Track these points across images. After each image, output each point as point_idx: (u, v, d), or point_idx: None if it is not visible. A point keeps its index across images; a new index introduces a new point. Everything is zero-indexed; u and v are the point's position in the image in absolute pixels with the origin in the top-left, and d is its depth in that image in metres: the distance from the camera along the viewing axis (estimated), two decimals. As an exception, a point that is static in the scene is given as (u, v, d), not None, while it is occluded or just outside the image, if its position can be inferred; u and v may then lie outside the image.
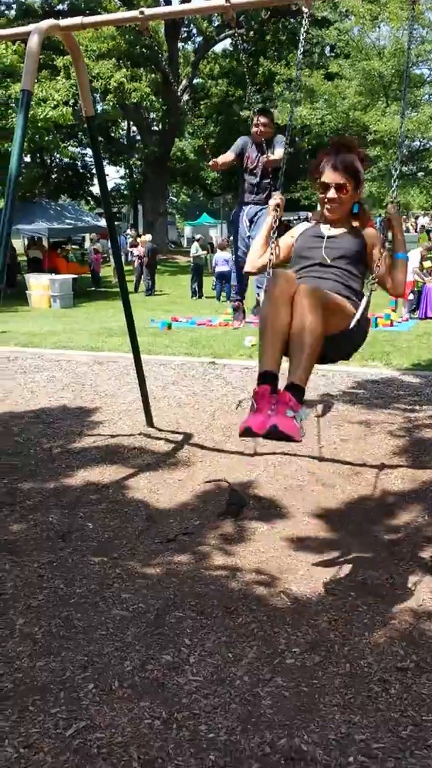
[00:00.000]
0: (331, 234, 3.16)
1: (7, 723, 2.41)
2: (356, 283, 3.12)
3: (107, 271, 23.60)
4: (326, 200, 3.10)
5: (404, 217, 34.07)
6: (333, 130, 20.90)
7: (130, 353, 5.96)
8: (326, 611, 3.12)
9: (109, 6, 26.10)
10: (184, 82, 30.33)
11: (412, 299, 13.34)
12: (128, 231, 27.72)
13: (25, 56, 4.14)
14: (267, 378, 2.70)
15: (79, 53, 4.78)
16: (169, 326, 12.11)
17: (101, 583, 3.39)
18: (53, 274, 18.45)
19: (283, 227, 3.42)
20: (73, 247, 24.81)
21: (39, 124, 17.46)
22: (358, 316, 2.88)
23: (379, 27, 20.69)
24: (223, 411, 6.35)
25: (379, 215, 26.31)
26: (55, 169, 34.37)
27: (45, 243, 22.06)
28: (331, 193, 3.08)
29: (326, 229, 3.20)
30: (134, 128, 35.09)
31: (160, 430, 5.82)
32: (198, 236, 21.13)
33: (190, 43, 34.32)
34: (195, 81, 32.55)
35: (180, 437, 5.64)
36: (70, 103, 19.14)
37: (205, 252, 19.60)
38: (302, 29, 3.48)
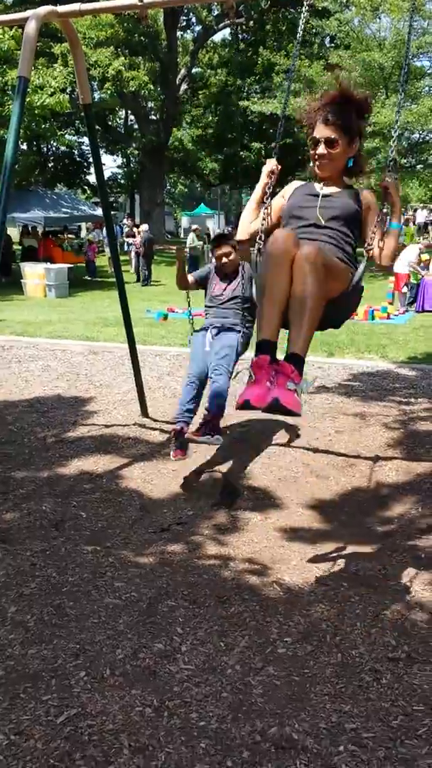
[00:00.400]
0: (326, 193, 2.95)
1: (-1, 710, 2.41)
2: (350, 246, 2.92)
3: (103, 261, 23.53)
4: (316, 156, 2.91)
5: (402, 209, 34.05)
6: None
7: (125, 343, 5.94)
8: (318, 601, 3.13)
9: (108, -7, 25.86)
10: (183, 71, 30.16)
11: (406, 292, 13.34)
12: (125, 221, 27.61)
13: (22, 42, 4.10)
14: (266, 347, 2.54)
15: (77, 40, 4.74)
16: (165, 317, 12.08)
17: (94, 571, 3.39)
18: (48, 263, 18.38)
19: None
20: (69, 236, 24.69)
21: (36, 112, 17.34)
22: (356, 277, 2.75)
23: (379, 18, 20.59)
24: (218, 402, 6.33)
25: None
26: (52, 158, 34.19)
27: (39, 231, 21.94)
28: (321, 149, 2.87)
29: (320, 188, 2.98)
30: (132, 117, 34.91)
31: (154, 420, 5.81)
32: (194, 226, 21.04)
33: (189, 32, 34.11)
34: (194, 70, 32.34)
35: (175, 427, 5.63)
36: (67, 90, 19.01)
37: (201, 243, 19.49)
38: (301, 19, 3.44)
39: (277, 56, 23.67)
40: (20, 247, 22.54)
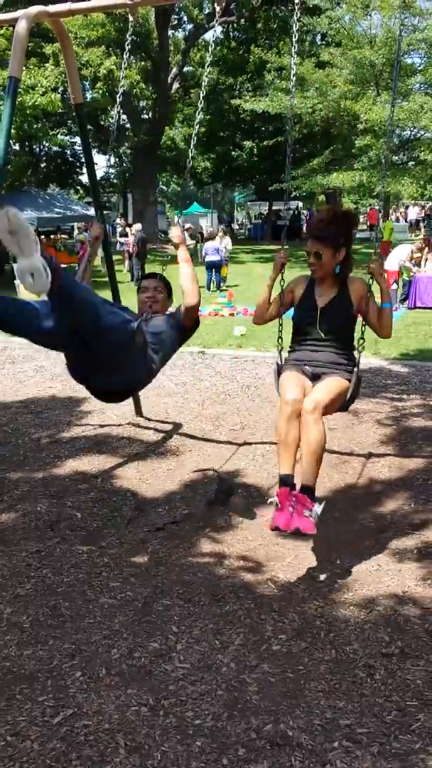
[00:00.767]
0: (323, 305, 3.52)
1: (-5, 711, 2.42)
2: (348, 348, 3.56)
3: (96, 261, 23.49)
4: (309, 263, 3.52)
5: (394, 206, 34.11)
6: (323, 119, 20.81)
7: (118, 343, 5.94)
8: (312, 598, 3.15)
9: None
10: (174, 70, 30.11)
11: (396, 289, 13.37)
12: (117, 220, 27.57)
13: (12, 42, 4.10)
14: (286, 481, 3.18)
15: (68, 40, 4.75)
16: (159, 316, 12.07)
17: (89, 571, 3.40)
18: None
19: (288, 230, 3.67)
20: (63, 236, 24.65)
21: (27, 112, 17.30)
22: (351, 390, 3.43)
23: (370, 15, 20.58)
24: (212, 401, 6.35)
25: (370, 205, 26.30)
26: (44, 158, 34.07)
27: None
28: (311, 259, 3.50)
29: (318, 296, 3.55)
30: (124, 117, 34.85)
31: (149, 419, 5.82)
32: (187, 225, 20.95)
33: (180, 30, 34.05)
34: (185, 69, 32.29)
35: (169, 427, 5.65)
36: (59, 90, 18.97)
37: (194, 242, 19.48)
38: (294, 17, 3.48)
39: (269, 54, 23.63)
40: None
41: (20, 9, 4.35)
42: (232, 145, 34.77)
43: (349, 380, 3.42)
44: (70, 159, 35.41)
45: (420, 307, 12.94)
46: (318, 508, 3.10)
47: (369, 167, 19.80)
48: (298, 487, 3.15)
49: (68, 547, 3.68)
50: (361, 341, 3.52)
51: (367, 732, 2.31)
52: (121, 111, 28.57)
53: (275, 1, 29.04)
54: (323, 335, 3.50)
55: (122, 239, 22.14)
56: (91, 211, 21.91)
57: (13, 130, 4.33)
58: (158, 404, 6.21)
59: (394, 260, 13.01)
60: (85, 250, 4.54)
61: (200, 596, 3.17)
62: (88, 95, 26.73)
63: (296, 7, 3.66)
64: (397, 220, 36.10)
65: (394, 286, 13.37)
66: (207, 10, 28.41)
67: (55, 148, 31.65)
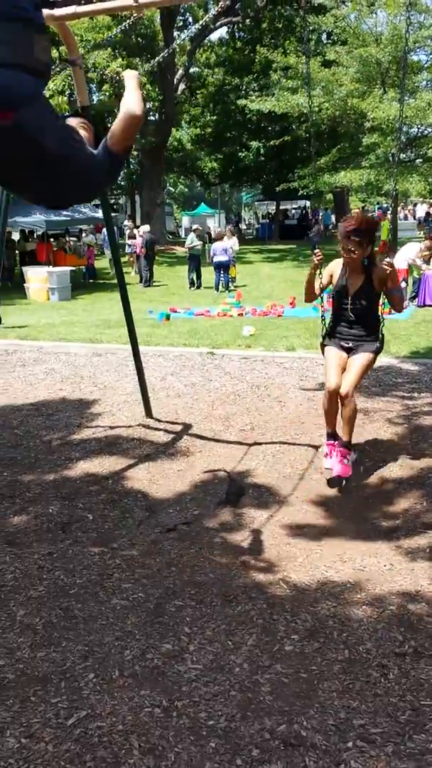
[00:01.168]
0: (354, 292, 4.54)
1: (9, 713, 2.43)
2: (373, 324, 4.62)
3: (104, 263, 23.53)
4: (345, 257, 4.47)
5: (402, 204, 33.97)
6: (330, 118, 20.76)
7: (128, 345, 5.96)
8: (325, 598, 3.14)
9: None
10: (180, 71, 30.13)
11: (406, 287, 13.34)
12: (125, 222, 27.57)
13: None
14: (332, 435, 4.63)
15: (74, 43, 4.76)
16: (168, 317, 12.10)
17: (101, 573, 3.41)
18: (51, 267, 18.40)
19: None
20: (72, 239, 24.69)
21: (35, 115, 17.33)
22: (378, 345, 4.62)
23: (375, 13, 20.50)
24: (221, 401, 6.35)
25: (378, 204, 26.19)
26: (52, 161, 34.14)
27: (35, 236, 21.87)
28: (347, 255, 4.44)
29: (350, 284, 4.55)
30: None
31: (158, 420, 5.83)
32: (195, 226, 20.95)
33: (185, 31, 34.04)
34: (191, 70, 32.29)
35: (179, 428, 5.65)
36: (65, 93, 19.03)
37: (200, 242, 19.45)
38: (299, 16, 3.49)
39: (275, 54, 23.59)
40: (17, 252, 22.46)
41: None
42: (239, 146, 34.77)
43: (374, 351, 4.56)
44: (78, 162, 35.42)
45: (430, 305, 12.89)
46: (353, 456, 4.61)
47: (377, 165, 19.73)
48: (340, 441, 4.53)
49: (80, 548, 3.69)
50: (382, 318, 4.67)
51: (382, 732, 2.31)
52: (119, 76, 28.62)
53: (280, 0, 28.97)
54: (353, 316, 4.59)
55: (130, 241, 22.15)
56: (99, 214, 21.95)
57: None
58: (168, 405, 6.22)
59: (401, 258, 12.97)
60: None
61: (212, 597, 3.17)
62: (95, 98, 26.79)
63: (301, 9, 3.70)
64: (405, 217, 35.99)
65: (403, 284, 13.34)
66: (213, 11, 28.33)
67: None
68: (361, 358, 4.48)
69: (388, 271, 4.39)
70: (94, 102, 26.13)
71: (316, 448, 5.08)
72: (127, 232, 24.18)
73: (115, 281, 5.95)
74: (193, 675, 2.63)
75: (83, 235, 25.19)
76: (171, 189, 48.77)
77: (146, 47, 28.43)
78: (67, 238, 23.08)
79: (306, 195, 26.90)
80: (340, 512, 4.15)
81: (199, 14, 29.87)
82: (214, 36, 33.89)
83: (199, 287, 18.35)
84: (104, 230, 22.34)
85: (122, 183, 40.06)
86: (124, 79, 3.09)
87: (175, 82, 29.16)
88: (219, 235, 18.76)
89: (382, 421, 5.61)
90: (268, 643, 2.82)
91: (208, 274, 18.32)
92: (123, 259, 14.16)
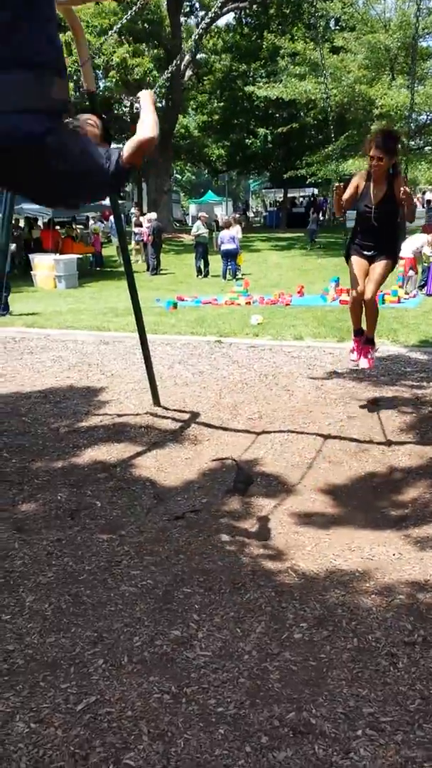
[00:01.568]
0: (377, 201, 4.98)
1: (18, 698, 2.44)
2: (394, 232, 5.15)
3: (111, 251, 23.48)
4: (372, 165, 4.91)
5: (411, 191, 33.69)
6: (338, 105, 20.60)
7: (135, 333, 5.95)
8: (334, 587, 3.13)
9: (111, -20, 25.67)
10: (187, 57, 29.91)
11: (412, 275, 13.27)
12: (132, 210, 27.47)
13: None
14: (358, 332, 5.57)
15: (80, 29, 4.72)
16: (175, 305, 12.07)
17: (110, 560, 3.41)
18: (58, 255, 18.37)
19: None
20: (78, 227, 24.64)
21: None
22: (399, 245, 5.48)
23: (384, -1, 20.35)
24: (229, 389, 6.34)
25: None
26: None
27: (40, 223, 21.79)
28: (375, 162, 4.87)
29: (372, 193, 4.99)
30: (137, 105, 34.63)
31: (166, 409, 5.82)
32: (201, 214, 20.83)
33: (192, 17, 33.74)
34: (198, 56, 32.04)
35: (186, 416, 5.65)
36: (72, 79, 18.93)
37: (206, 230, 19.36)
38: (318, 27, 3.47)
39: (282, 40, 23.40)
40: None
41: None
42: (247, 133, 34.55)
43: (392, 258, 5.17)
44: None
45: (438, 294, 12.83)
46: (375, 351, 5.66)
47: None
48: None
49: (89, 535, 3.70)
50: (403, 229, 5.39)
51: (391, 720, 2.30)
52: (134, 99, 28.47)
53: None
54: (376, 223, 5.02)
55: (137, 229, 22.08)
56: (106, 201, 21.90)
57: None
58: (175, 393, 6.21)
59: (407, 249, 12.93)
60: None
61: (221, 584, 3.17)
62: (101, 84, 26.66)
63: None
64: (416, 205, 35.68)
65: (411, 273, 13.27)
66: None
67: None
68: (381, 266, 5.07)
69: (404, 198, 4.82)
70: (101, 88, 26.02)
71: (324, 437, 5.07)
72: (134, 219, 24.09)
73: (122, 269, 5.92)
74: (201, 662, 2.63)
75: (91, 222, 25.11)
76: (178, 176, 48.54)
77: (153, 33, 28.22)
78: (74, 226, 23.01)
79: (314, 183, 26.75)
80: (348, 501, 4.14)
81: (205, 0, 29.60)
82: (221, 21, 33.60)
83: (206, 275, 18.30)
84: (111, 217, 22.29)
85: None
86: (140, 99, 3.35)
87: (182, 69, 28.95)
88: (226, 223, 18.67)
89: (391, 410, 5.59)
90: (277, 630, 2.82)
91: (215, 262, 18.27)
92: (129, 247, 14.11)
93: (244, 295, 13.31)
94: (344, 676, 2.54)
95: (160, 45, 28.93)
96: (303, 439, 5.06)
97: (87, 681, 2.53)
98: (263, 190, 47.01)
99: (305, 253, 23.20)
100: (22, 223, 21.14)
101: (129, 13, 5.67)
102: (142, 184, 38.30)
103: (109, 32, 21.65)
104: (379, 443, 4.94)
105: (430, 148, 21.14)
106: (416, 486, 4.26)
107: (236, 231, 17.85)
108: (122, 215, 6.71)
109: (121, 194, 39.60)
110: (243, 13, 32.28)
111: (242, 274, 17.24)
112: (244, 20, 33.33)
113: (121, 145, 3.04)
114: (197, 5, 32.06)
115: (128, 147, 2.99)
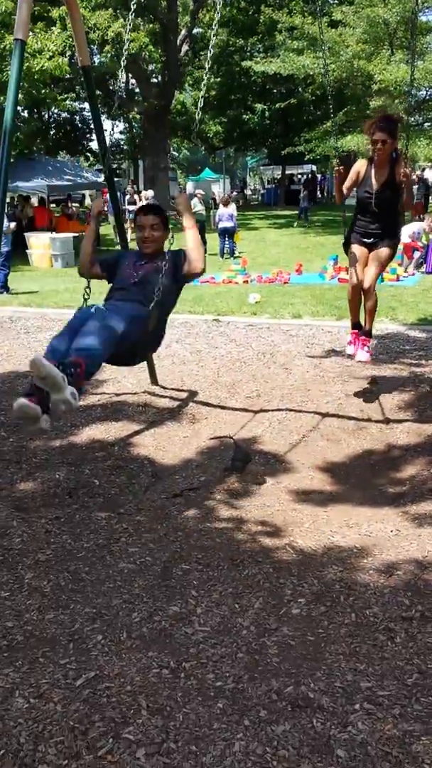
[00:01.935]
0: (377, 188, 4.91)
1: (18, 674, 2.45)
2: (395, 219, 5.04)
3: (108, 229, 23.32)
4: (375, 149, 4.81)
5: (410, 169, 33.45)
6: (337, 80, 20.34)
7: (132, 310, 5.90)
8: (331, 563, 3.15)
9: None
10: (183, 32, 29.47)
11: (417, 256, 13.22)
12: (128, 187, 27.19)
13: (18, 4, 4.00)
14: (356, 325, 5.33)
15: (74, 2, 4.64)
16: (172, 284, 11.99)
17: (108, 537, 3.42)
18: (53, 233, 18.24)
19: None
20: (74, 204, 24.48)
21: (35, 77, 17.05)
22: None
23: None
24: (227, 368, 6.33)
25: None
26: (53, 125, 33.68)
27: (34, 201, 21.61)
28: (378, 145, 4.78)
29: (374, 179, 4.92)
30: (133, 81, 34.24)
31: (164, 387, 5.81)
32: (197, 191, 20.61)
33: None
34: (194, 31, 31.56)
35: (184, 395, 5.64)
36: (66, 54, 18.67)
37: (203, 207, 19.16)
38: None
39: (279, 14, 23.04)
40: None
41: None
42: (244, 108, 34.17)
43: (392, 246, 5.03)
44: (80, 125, 34.97)
45: (437, 272, 12.79)
46: (372, 343, 5.45)
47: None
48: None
49: (87, 513, 3.70)
50: (402, 215, 5.22)
51: (389, 695, 2.32)
52: (130, 75, 28.12)
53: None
54: (377, 210, 4.95)
55: (131, 207, 21.86)
56: (102, 178, 21.70)
57: (20, 96, 4.25)
58: (173, 372, 6.19)
59: (406, 234, 12.87)
60: (90, 217, 4.48)
61: (219, 561, 3.18)
62: (96, 59, 26.28)
63: None
64: (415, 182, 35.40)
65: (417, 254, 13.22)
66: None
67: (64, 115, 31.25)
68: (380, 254, 4.97)
69: (404, 180, 4.81)
70: (96, 64, 25.65)
71: (323, 415, 5.06)
72: (127, 197, 23.82)
73: (118, 248, 5.86)
74: (200, 637, 2.64)
75: (87, 200, 24.87)
76: (175, 154, 48.07)
77: (148, 7, 27.75)
78: (70, 204, 22.85)
79: (312, 159, 26.50)
80: (346, 478, 4.15)
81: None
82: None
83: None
84: (107, 195, 22.07)
85: (125, 147, 39.54)
86: (178, 206, 4.24)
87: (178, 44, 28.54)
88: (224, 200, 18.52)
89: (389, 389, 5.58)
90: (275, 606, 2.83)
91: (212, 240, 18.14)
92: (126, 225, 13.97)
93: (241, 273, 13.24)
94: (342, 650, 2.55)
95: (155, 19, 28.47)
96: (301, 417, 5.05)
97: (86, 657, 2.54)
98: (261, 167, 46.61)
99: (304, 231, 23.05)
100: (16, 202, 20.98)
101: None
102: (138, 161, 37.95)
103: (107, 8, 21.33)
104: (377, 421, 4.94)
105: (429, 124, 20.92)
106: (414, 463, 4.27)
107: (231, 209, 17.71)
108: (119, 193, 6.64)
109: (117, 171, 39.29)
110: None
111: (240, 252, 17.14)
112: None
113: None
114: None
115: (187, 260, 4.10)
